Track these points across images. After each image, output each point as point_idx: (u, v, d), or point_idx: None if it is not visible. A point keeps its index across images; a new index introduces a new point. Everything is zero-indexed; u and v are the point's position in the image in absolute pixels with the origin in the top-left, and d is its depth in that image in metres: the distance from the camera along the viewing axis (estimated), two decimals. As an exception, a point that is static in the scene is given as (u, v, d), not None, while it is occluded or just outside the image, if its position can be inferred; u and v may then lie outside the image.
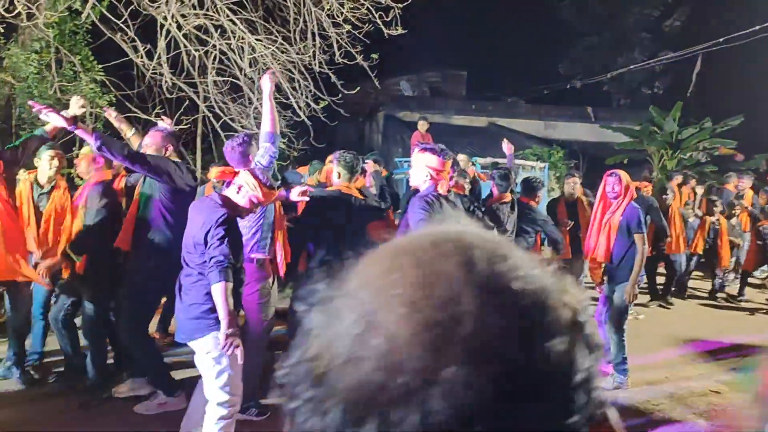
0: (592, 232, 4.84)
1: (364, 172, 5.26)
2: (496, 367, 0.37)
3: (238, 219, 3.07)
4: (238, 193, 3.00)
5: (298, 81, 7.01)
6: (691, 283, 8.37)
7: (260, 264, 3.78)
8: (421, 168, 3.36)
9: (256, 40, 6.67)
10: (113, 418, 3.78)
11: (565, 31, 23.57)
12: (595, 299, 4.97)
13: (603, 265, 4.83)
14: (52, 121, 3.54)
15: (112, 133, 6.77)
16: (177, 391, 3.85)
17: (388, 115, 17.26)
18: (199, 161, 8.66)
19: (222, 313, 2.79)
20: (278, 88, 7.18)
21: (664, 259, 7.56)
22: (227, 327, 2.78)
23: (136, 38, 6.58)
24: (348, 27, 6.70)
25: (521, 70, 22.73)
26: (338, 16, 6.66)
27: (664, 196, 7.50)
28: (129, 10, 6.37)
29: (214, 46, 6.72)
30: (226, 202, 2.98)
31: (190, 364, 3.17)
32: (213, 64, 6.92)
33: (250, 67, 6.89)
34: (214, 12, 6.50)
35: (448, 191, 3.50)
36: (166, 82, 6.77)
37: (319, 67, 6.95)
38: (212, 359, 2.89)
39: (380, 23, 6.56)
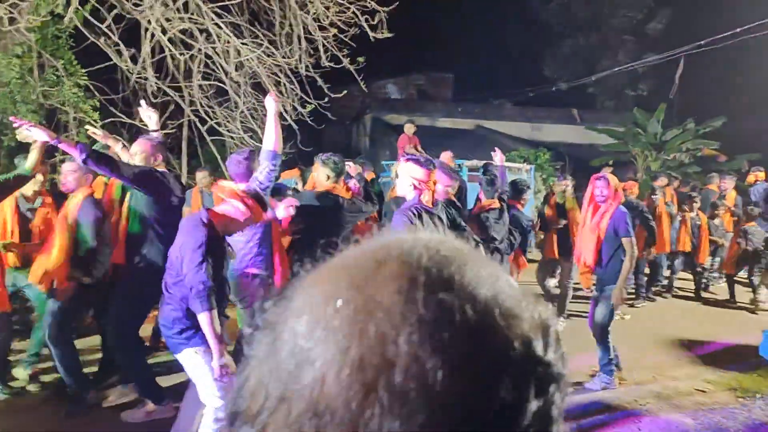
0: (582, 237, 4.86)
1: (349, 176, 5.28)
2: (431, 418, 0.33)
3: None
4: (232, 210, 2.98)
5: (285, 85, 6.99)
6: (677, 283, 8.46)
7: (260, 279, 3.76)
8: (405, 178, 3.39)
9: (242, 43, 6.64)
10: (100, 427, 3.74)
11: (550, 34, 23.78)
12: (586, 299, 5.00)
13: (592, 269, 4.86)
14: (35, 135, 3.42)
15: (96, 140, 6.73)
16: (165, 399, 3.81)
17: (375, 118, 17.30)
18: (185, 165, 8.61)
19: (212, 343, 2.77)
20: (265, 92, 7.17)
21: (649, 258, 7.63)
22: (219, 356, 2.76)
23: (120, 42, 6.51)
24: (334, 30, 6.70)
25: (507, 73, 22.91)
26: (324, 20, 6.65)
27: (653, 197, 7.57)
28: (112, 14, 6.31)
29: (200, 50, 6.68)
30: (214, 219, 2.92)
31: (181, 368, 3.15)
32: (198, 68, 6.88)
33: (236, 70, 6.86)
34: (199, 16, 6.46)
35: (435, 202, 3.51)
36: (151, 86, 6.72)
37: (306, 70, 6.93)
38: (199, 371, 2.89)
39: (366, 27, 6.56)
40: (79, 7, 6.33)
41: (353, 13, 6.55)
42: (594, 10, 22.60)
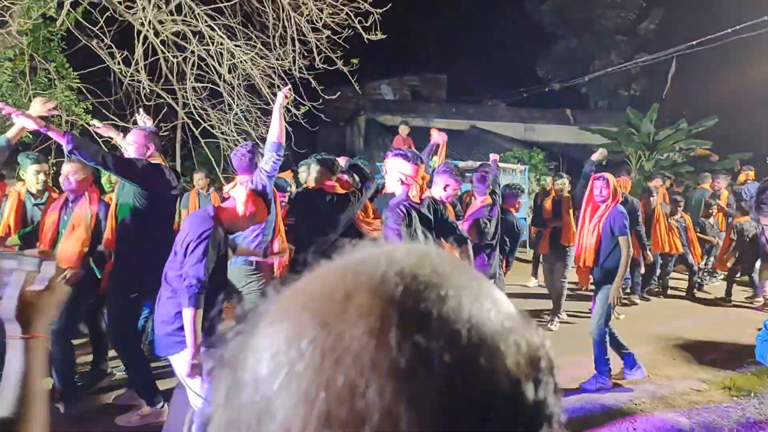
0: (581, 236, 4.89)
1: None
2: None
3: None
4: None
5: (279, 86, 6.97)
6: (672, 283, 8.49)
7: (261, 266, 3.88)
8: (394, 174, 3.38)
9: (235, 45, 6.62)
10: (95, 428, 3.72)
11: (544, 34, 23.89)
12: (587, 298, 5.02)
13: (591, 269, 4.88)
14: (24, 123, 3.37)
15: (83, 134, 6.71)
16: (160, 401, 3.80)
17: (369, 119, 17.29)
18: (179, 168, 8.58)
19: (189, 340, 2.74)
20: (258, 94, 7.16)
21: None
22: (192, 356, 2.73)
23: (112, 45, 6.48)
24: (327, 32, 6.69)
25: (501, 74, 23.01)
26: (317, 22, 6.64)
27: (651, 198, 7.60)
28: (105, 16, 6.27)
29: (193, 52, 6.66)
30: (221, 215, 2.90)
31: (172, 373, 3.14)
32: (192, 70, 6.86)
33: (230, 72, 6.84)
34: (191, 18, 6.44)
35: (422, 199, 3.52)
36: (144, 88, 6.69)
37: (299, 72, 6.92)
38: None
39: (360, 28, 6.56)
40: (71, 10, 6.30)
41: (347, 14, 6.54)
42: (587, 11, 22.70)
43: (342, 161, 4.79)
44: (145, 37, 6.48)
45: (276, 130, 3.70)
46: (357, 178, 4.58)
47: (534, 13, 23.74)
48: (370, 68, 8.95)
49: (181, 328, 2.79)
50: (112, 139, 4.46)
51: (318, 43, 6.77)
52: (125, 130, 6.93)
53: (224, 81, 6.90)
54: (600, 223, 4.67)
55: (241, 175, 3.90)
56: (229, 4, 6.58)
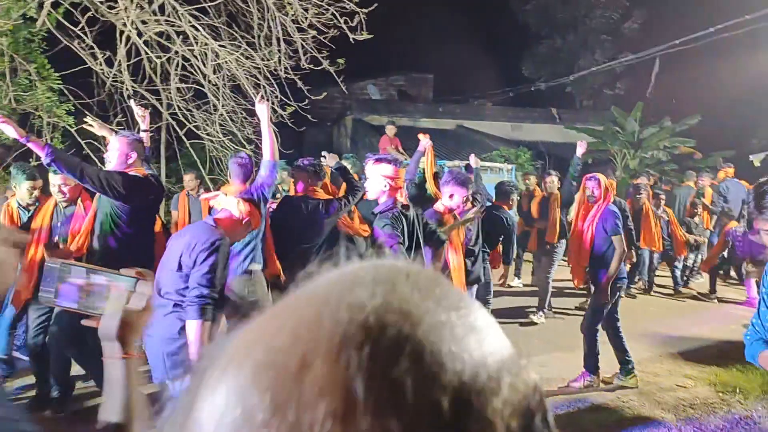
0: (574, 236, 4.92)
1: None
2: None
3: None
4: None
5: (264, 87, 6.92)
6: (657, 280, 8.57)
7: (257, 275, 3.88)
8: (376, 179, 3.31)
9: (220, 46, 6.57)
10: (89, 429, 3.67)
11: (529, 34, 24.02)
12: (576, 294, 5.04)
13: (585, 268, 4.90)
14: (5, 131, 3.39)
15: (72, 144, 6.60)
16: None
17: (356, 119, 17.25)
18: (164, 169, 8.48)
19: (193, 355, 2.61)
20: (244, 95, 7.10)
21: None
22: None
23: (94, 45, 6.39)
24: (313, 32, 6.65)
25: (487, 73, 23.07)
26: (303, 22, 6.60)
27: (638, 195, 7.66)
28: (86, 16, 6.19)
29: (177, 52, 6.59)
30: (221, 225, 2.81)
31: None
32: (176, 70, 6.79)
33: (214, 73, 6.78)
34: (175, 18, 6.37)
35: (406, 206, 3.48)
36: (127, 89, 6.61)
37: (285, 72, 6.88)
38: None
39: (345, 28, 6.53)
40: (52, 10, 6.20)
41: (332, 14, 6.51)
42: (571, 10, 22.86)
43: (330, 160, 4.73)
44: (128, 38, 6.40)
45: (268, 148, 3.79)
46: (342, 182, 4.53)
47: (519, 13, 23.86)
48: (357, 68, 8.92)
49: (185, 345, 2.62)
50: (105, 138, 4.41)
51: (303, 44, 6.73)
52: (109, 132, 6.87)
53: (209, 82, 6.84)
54: (593, 223, 4.69)
55: (234, 184, 3.91)
56: (213, 4, 6.53)
